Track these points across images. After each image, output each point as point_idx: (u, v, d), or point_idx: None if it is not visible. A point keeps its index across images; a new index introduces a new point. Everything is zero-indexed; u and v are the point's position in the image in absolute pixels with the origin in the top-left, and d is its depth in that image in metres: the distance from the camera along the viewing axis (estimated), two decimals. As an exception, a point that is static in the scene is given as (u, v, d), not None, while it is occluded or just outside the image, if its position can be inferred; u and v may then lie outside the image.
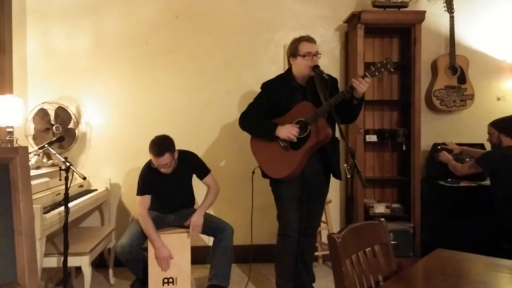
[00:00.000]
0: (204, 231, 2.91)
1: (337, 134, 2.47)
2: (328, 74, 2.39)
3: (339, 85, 2.65)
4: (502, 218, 2.81)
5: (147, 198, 2.79)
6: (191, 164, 2.90)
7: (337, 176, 2.59)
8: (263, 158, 2.56)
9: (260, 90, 2.64)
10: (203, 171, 2.92)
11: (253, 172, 2.64)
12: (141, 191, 2.79)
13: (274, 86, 2.58)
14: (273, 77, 2.65)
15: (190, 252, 2.77)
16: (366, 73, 2.27)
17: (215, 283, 2.73)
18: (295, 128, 2.40)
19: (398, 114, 3.66)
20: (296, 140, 2.41)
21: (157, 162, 2.66)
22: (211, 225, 2.85)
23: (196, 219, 2.78)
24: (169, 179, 2.78)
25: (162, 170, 2.71)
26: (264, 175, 2.59)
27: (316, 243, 2.97)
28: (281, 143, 2.47)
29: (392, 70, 2.28)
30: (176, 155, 2.75)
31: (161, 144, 2.65)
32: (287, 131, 2.40)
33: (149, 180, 2.79)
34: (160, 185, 2.80)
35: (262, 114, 2.56)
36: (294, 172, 2.44)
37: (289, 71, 2.58)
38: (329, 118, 2.39)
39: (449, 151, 3.29)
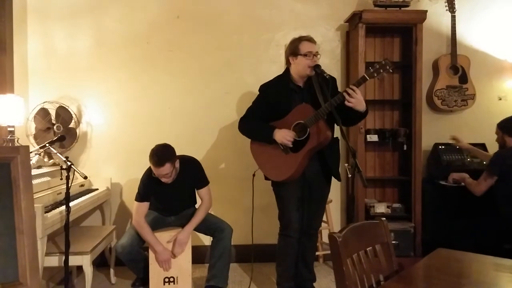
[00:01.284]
0: (203, 231, 2.90)
1: (338, 134, 2.47)
2: (328, 74, 2.38)
3: (340, 86, 2.64)
4: (504, 217, 2.81)
5: (144, 206, 2.72)
6: (193, 171, 2.83)
7: (336, 177, 2.58)
8: (263, 161, 2.55)
9: (258, 92, 2.64)
10: (202, 181, 2.84)
11: (254, 175, 2.63)
12: (140, 197, 2.72)
13: (272, 88, 2.57)
14: (273, 77, 2.64)
15: (191, 252, 2.76)
16: (365, 74, 2.26)
17: (213, 284, 2.72)
18: (291, 134, 2.39)
19: (399, 114, 3.65)
20: (291, 145, 2.40)
21: (157, 172, 2.59)
22: (210, 225, 2.83)
23: (183, 237, 2.71)
24: (170, 187, 2.73)
25: (163, 179, 2.64)
26: (266, 177, 2.59)
27: (317, 243, 2.97)
28: (281, 145, 2.46)
29: (391, 71, 2.27)
30: (177, 164, 2.68)
31: (162, 154, 2.57)
32: (283, 136, 2.40)
33: (150, 187, 2.73)
34: (161, 192, 2.76)
35: (261, 117, 2.55)
36: (294, 175, 2.43)
37: (287, 71, 2.57)
38: (328, 119, 2.38)
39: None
